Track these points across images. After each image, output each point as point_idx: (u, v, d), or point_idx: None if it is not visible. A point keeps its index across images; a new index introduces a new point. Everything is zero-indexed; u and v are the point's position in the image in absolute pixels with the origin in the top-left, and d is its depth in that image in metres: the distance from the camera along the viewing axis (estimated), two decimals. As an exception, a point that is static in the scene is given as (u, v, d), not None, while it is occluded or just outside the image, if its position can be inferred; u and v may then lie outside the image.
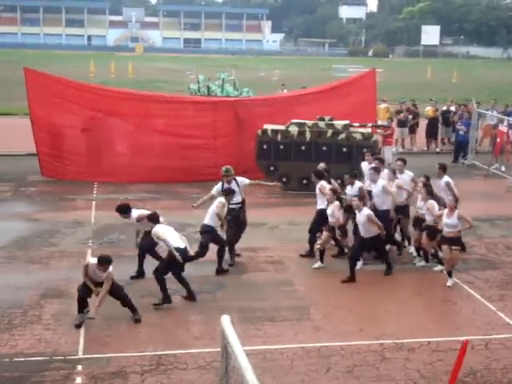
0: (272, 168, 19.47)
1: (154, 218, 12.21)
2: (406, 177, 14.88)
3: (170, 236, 11.77)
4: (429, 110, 27.16)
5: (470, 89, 46.60)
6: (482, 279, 13.43)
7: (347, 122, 19.93)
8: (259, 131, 19.77)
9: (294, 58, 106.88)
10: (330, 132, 19.66)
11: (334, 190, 13.88)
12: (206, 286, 12.77)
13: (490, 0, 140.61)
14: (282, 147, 19.64)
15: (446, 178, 14.83)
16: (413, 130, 26.86)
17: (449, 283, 12.85)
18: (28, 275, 12.99)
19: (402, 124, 26.34)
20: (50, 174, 20.67)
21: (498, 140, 23.78)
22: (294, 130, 19.69)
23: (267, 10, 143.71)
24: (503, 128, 23.96)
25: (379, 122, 24.00)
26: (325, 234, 13.83)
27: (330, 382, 9.44)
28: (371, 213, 12.91)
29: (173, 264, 11.72)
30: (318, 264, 13.78)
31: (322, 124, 19.86)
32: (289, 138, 19.65)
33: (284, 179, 17.88)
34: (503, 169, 23.54)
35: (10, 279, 12.84)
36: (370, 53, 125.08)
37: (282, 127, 19.83)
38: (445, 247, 12.77)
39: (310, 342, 10.61)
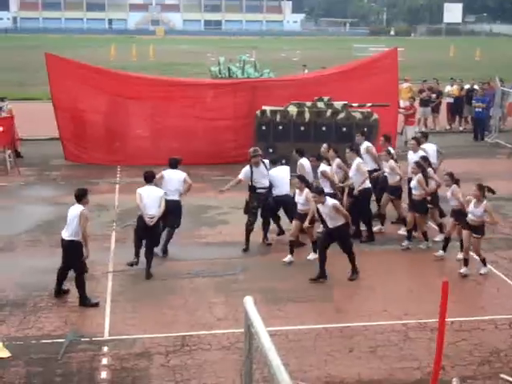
0: (271, 150, 18.48)
1: (145, 177, 12.57)
2: (415, 157, 14.63)
3: (145, 201, 12.16)
4: (454, 88, 26.89)
5: (493, 67, 46.03)
6: (505, 258, 13.36)
7: (346, 102, 19.74)
8: (258, 112, 19.56)
9: (314, 38, 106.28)
10: (329, 112, 19.52)
11: (301, 177, 13.24)
12: (229, 267, 12.83)
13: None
14: (280, 128, 19.42)
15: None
16: (436, 109, 26.65)
17: (462, 271, 12.54)
18: (53, 258, 13.08)
19: (424, 103, 26.13)
20: (73, 158, 20.84)
21: (522, 118, 23.52)
22: (292, 110, 19.50)
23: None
24: (527, 106, 23.68)
25: (401, 103, 23.86)
26: (295, 223, 13.17)
27: (353, 362, 9.48)
28: (336, 202, 12.15)
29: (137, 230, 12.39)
30: (311, 255, 13.37)
31: (321, 104, 19.70)
32: (288, 119, 19.46)
33: (283, 161, 17.01)
34: (527, 147, 23.30)
35: (35, 262, 13.00)
36: (392, 32, 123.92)
37: (281, 108, 19.66)
38: (465, 233, 12.57)
39: (333, 322, 10.64)
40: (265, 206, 13.69)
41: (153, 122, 20.74)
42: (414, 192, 13.68)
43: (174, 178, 13.34)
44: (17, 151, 21.33)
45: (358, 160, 14.22)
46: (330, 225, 12.21)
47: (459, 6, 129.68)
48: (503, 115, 26.77)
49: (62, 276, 11.42)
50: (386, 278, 12.67)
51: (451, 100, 26.84)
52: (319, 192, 12.20)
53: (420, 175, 13.52)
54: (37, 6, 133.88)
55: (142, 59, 55.42)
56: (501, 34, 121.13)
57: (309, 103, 19.65)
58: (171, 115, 20.60)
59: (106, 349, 9.81)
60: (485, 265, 12.57)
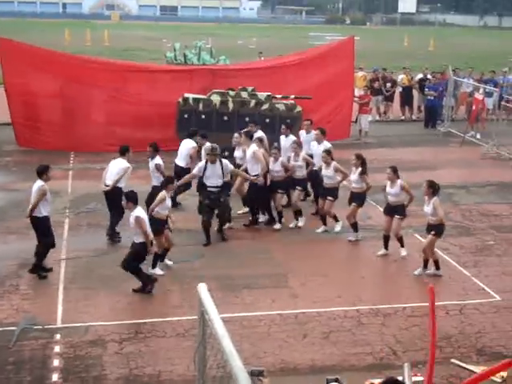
0: None
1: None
2: (321, 148, 14.72)
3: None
4: (403, 78, 27.19)
5: (446, 57, 46.64)
6: (457, 246, 13.61)
7: (269, 93, 19.70)
8: (180, 99, 19.34)
9: (271, 25, 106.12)
10: (253, 102, 19.46)
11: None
12: (184, 254, 12.79)
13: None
14: (203, 117, 19.18)
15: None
16: (391, 98, 26.92)
17: (403, 253, 12.97)
18: (5, 245, 12.94)
19: (376, 92, 26.32)
20: (25, 143, 20.49)
21: (474, 108, 23.92)
22: (216, 99, 19.36)
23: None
24: (479, 96, 24.07)
25: (356, 91, 24.04)
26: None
27: (307, 348, 9.57)
28: (139, 215, 11.06)
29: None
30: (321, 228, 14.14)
31: (244, 94, 19.62)
32: (211, 108, 19.30)
33: (226, 153, 16.13)
34: (478, 136, 23.72)
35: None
36: (347, 21, 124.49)
37: (204, 96, 19.50)
38: (386, 217, 12.87)
39: (287, 308, 10.73)
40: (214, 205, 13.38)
41: (106, 107, 20.47)
42: (328, 181, 13.86)
43: (114, 166, 13.42)
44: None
45: (253, 147, 14.37)
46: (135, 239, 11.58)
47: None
48: (456, 104, 27.18)
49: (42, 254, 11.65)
50: (340, 265, 12.82)
51: (401, 89, 27.12)
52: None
53: (335, 163, 13.83)
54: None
55: (96, 44, 54.63)
56: (454, 24, 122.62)
57: (232, 92, 19.54)
58: (126, 100, 20.38)
59: (58, 336, 9.72)
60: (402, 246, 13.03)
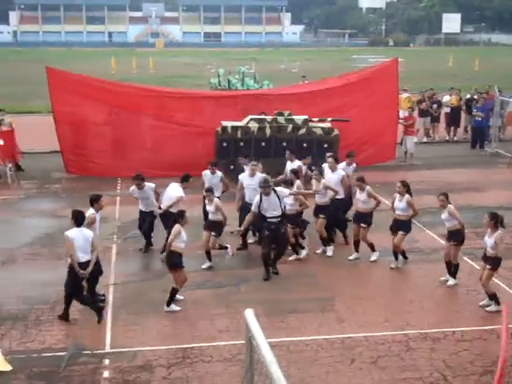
0: (232, 166, 18.42)
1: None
2: (335, 176, 14.48)
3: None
4: (452, 98, 27.00)
5: (492, 76, 46.16)
6: (506, 268, 13.34)
7: (306, 116, 19.67)
8: (219, 129, 19.39)
9: (314, 49, 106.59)
10: (290, 127, 19.45)
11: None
12: (230, 279, 12.84)
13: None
14: (242, 144, 19.18)
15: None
16: (437, 118, 26.78)
17: (392, 265, 13.26)
18: (54, 271, 13.13)
19: (424, 114, 26.24)
20: (73, 170, 20.89)
21: (522, 127, 23.58)
22: (253, 126, 19.39)
23: (286, 2, 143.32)
24: (526, 115, 23.75)
25: (400, 113, 23.94)
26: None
27: (355, 373, 9.47)
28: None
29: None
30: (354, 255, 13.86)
31: (281, 119, 19.61)
32: (249, 135, 19.31)
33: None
34: (527, 156, 23.34)
35: (36, 276, 13.01)
36: (391, 42, 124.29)
37: (242, 124, 19.52)
38: (446, 243, 12.71)
39: (334, 333, 10.64)
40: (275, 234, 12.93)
41: (153, 134, 20.76)
42: (362, 206, 13.67)
43: (170, 191, 13.72)
44: (17, 164, 21.39)
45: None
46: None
47: (457, 16, 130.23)
48: (502, 124, 26.86)
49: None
50: (388, 288, 12.69)
51: (448, 110, 26.92)
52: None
53: (369, 187, 13.63)
54: (37, 20, 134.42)
55: (142, 72, 55.59)
56: (499, 43, 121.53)
57: (269, 118, 19.57)
58: (171, 127, 20.63)
59: (107, 361, 9.80)
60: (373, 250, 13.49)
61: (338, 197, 14.25)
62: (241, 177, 14.50)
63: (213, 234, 13.29)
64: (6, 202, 18.41)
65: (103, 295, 11.92)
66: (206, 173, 14.87)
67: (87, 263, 10.95)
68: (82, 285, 11.13)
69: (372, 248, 13.78)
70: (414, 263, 13.54)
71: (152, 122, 20.74)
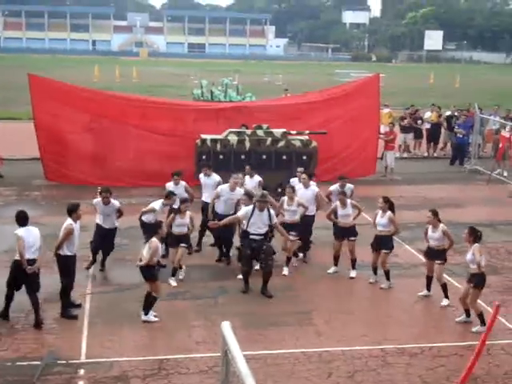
0: None
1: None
2: (309, 192, 14.39)
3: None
4: (432, 115, 27.22)
5: (472, 94, 46.60)
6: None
7: (284, 130, 19.73)
8: (198, 141, 19.35)
9: (297, 62, 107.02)
10: (269, 140, 19.51)
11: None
12: (208, 290, 12.80)
13: (493, 5, 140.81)
14: (221, 157, 19.14)
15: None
16: (421, 134, 27.03)
17: (371, 280, 13.33)
18: (31, 279, 12.95)
19: (405, 130, 26.47)
20: (53, 178, 20.75)
21: (501, 145, 23.83)
22: (233, 138, 19.42)
23: (271, 16, 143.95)
24: (506, 133, 24.00)
25: (381, 128, 24.08)
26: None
27: (332, 387, 9.45)
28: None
29: None
30: (332, 269, 13.89)
31: (260, 132, 19.68)
32: (228, 148, 19.31)
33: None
34: (506, 174, 23.58)
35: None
36: (373, 58, 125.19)
37: (222, 136, 19.53)
38: (428, 261, 12.74)
39: (312, 346, 10.63)
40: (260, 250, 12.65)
41: (134, 143, 20.68)
42: (347, 220, 13.66)
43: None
44: (-3, 171, 21.24)
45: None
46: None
47: (440, 34, 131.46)
48: (482, 142, 27.11)
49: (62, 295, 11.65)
50: (366, 303, 12.71)
51: (429, 126, 27.14)
52: None
53: (351, 200, 13.81)
54: (20, 26, 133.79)
55: (125, 81, 55.47)
56: (480, 61, 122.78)
57: (249, 131, 19.63)
58: (154, 137, 20.58)
59: (82, 372, 9.71)
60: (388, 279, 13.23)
61: (308, 213, 14.17)
62: (220, 188, 14.44)
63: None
64: (-16, 208, 18.23)
65: (79, 304, 11.84)
66: (170, 184, 14.66)
67: (34, 260, 11.14)
68: (38, 283, 11.29)
69: (354, 264, 13.76)
70: (392, 278, 13.54)
71: (134, 131, 20.66)
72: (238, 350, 4.52)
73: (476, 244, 11.29)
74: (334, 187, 14.73)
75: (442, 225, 12.31)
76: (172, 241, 13.17)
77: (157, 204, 13.56)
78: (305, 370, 9.92)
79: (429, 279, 12.66)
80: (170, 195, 13.57)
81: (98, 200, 13.60)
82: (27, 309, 11.58)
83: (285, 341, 10.83)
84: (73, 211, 11.64)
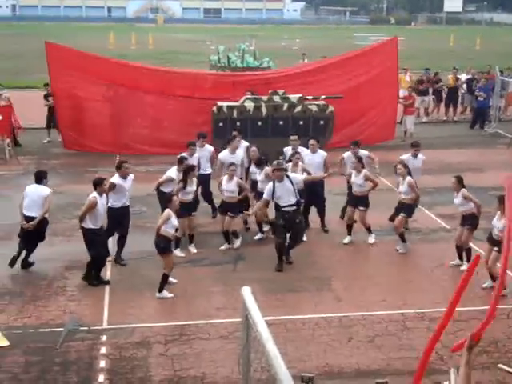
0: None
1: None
2: (317, 157, 14.22)
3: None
4: (449, 78, 26.87)
5: (493, 56, 45.92)
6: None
7: (300, 95, 19.53)
8: (214, 108, 19.17)
9: (314, 26, 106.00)
10: (285, 106, 19.37)
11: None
12: (227, 257, 12.85)
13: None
14: (238, 124, 18.82)
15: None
16: (440, 98, 26.69)
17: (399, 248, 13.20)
18: (52, 247, 13.11)
19: (422, 93, 26.13)
20: (71, 146, 20.82)
21: (522, 108, 23.51)
22: (249, 105, 19.26)
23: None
24: (527, 96, 23.66)
25: (400, 92, 23.80)
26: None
27: (352, 352, 9.50)
28: None
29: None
30: (347, 238, 13.69)
31: (277, 98, 19.50)
32: (245, 114, 19.15)
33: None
34: (527, 137, 23.30)
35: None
36: (392, 21, 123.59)
37: (238, 103, 19.38)
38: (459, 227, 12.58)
39: (332, 312, 10.66)
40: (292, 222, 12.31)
41: (152, 111, 20.66)
42: (358, 189, 13.42)
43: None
44: (15, 140, 21.31)
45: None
46: None
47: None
48: (504, 105, 26.76)
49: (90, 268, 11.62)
50: (385, 268, 12.70)
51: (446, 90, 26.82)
52: None
53: (366, 170, 13.46)
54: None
55: (141, 47, 55.28)
56: (501, 23, 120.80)
57: (265, 97, 19.46)
58: (171, 105, 20.54)
59: (104, 338, 9.83)
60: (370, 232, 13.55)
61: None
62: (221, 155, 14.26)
63: (361, 208, 13.42)
64: (4, 177, 18.35)
65: (107, 281, 11.73)
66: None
67: (33, 218, 11.72)
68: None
69: (369, 230, 13.69)
70: (412, 243, 13.52)
71: (151, 98, 20.63)
72: (259, 315, 4.52)
73: (463, 189, 11.93)
74: (347, 154, 14.46)
75: (463, 189, 12.16)
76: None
77: (172, 172, 13.23)
78: (325, 334, 9.96)
79: (459, 248, 12.47)
80: (182, 160, 13.25)
81: (116, 177, 12.57)
82: (49, 276, 11.70)
83: (304, 306, 10.87)
84: (98, 185, 11.52)
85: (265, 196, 12.38)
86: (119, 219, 12.41)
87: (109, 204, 12.06)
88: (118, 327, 10.12)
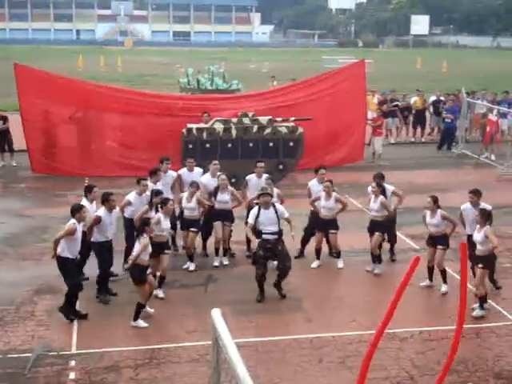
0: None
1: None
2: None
3: None
4: (417, 100, 27.21)
5: (459, 78, 46.66)
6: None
7: (270, 117, 19.64)
8: (184, 130, 19.21)
9: (283, 49, 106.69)
10: (255, 127, 19.43)
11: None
12: (198, 279, 12.80)
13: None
14: (207, 146, 19.02)
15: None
16: (404, 120, 26.97)
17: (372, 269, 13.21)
18: (20, 272, 12.97)
19: (385, 115, 26.29)
20: (40, 169, 20.63)
21: (488, 129, 23.88)
22: (219, 127, 19.29)
23: (256, 2, 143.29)
24: (493, 117, 24.05)
25: (369, 114, 24.04)
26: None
27: (323, 373, 9.50)
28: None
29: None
30: (316, 263, 13.61)
31: (246, 120, 19.59)
32: (214, 136, 19.18)
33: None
34: (493, 158, 23.66)
35: (1, 276, 12.82)
36: (360, 43, 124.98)
37: (208, 125, 19.45)
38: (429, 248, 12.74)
39: (303, 333, 10.66)
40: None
41: (120, 133, 20.62)
42: (328, 213, 13.32)
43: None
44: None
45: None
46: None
47: (426, 18, 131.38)
48: (470, 126, 27.16)
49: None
50: (356, 289, 12.74)
51: (414, 111, 27.12)
52: None
53: (336, 193, 13.43)
54: (3, 17, 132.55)
55: (110, 70, 55.17)
56: (467, 45, 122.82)
57: (234, 119, 19.53)
58: (140, 126, 20.50)
59: (73, 363, 9.70)
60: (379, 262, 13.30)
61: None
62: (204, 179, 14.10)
63: (332, 231, 13.30)
64: (-29, 201, 18.12)
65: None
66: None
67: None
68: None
69: (339, 255, 13.60)
70: (382, 263, 13.60)
71: (120, 120, 20.59)
72: (229, 337, 4.52)
73: (487, 226, 11.32)
74: (312, 183, 14.09)
75: (440, 210, 12.27)
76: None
77: (131, 196, 12.89)
78: (296, 356, 9.95)
79: (430, 269, 12.53)
80: (139, 181, 12.98)
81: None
82: (17, 301, 11.56)
83: (275, 328, 10.85)
84: (76, 211, 11.17)
85: (249, 220, 12.13)
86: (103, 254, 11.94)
87: (92, 239, 11.73)
88: (87, 352, 10.00)
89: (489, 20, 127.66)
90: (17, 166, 21.40)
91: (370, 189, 13.34)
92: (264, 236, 11.85)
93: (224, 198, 13.42)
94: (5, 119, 21.70)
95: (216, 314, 4.87)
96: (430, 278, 12.60)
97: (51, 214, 16.64)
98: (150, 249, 10.93)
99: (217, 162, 14.39)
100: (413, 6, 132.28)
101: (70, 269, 11.07)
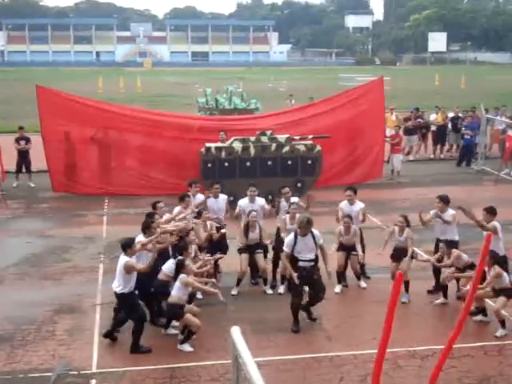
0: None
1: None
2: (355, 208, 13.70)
3: None
4: (438, 116, 27.17)
5: (478, 95, 46.53)
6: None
7: (288, 135, 19.71)
8: (202, 150, 19.29)
9: (301, 68, 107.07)
10: (273, 146, 19.47)
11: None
12: (217, 298, 12.77)
13: (495, 5, 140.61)
14: (226, 164, 19.16)
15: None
16: (425, 136, 26.99)
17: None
18: (41, 291, 13.05)
19: (410, 132, 26.39)
20: (61, 189, 20.81)
21: (507, 145, 23.77)
22: (237, 146, 19.36)
23: (274, 22, 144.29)
24: (512, 133, 23.94)
25: (387, 131, 24.04)
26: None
27: (344, 392, 9.44)
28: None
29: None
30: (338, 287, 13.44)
31: (264, 138, 19.64)
32: (233, 155, 19.27)
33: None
34: (513, 174, 23.53)
35: (23, 296, 12.91)
36: (378, 61, 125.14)
37: (226, 144, 19.53)
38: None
39: (323, 351, 10.61)
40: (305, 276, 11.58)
41: (141, 153, 20.77)
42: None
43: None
44: None
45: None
46: None
47: (443, 35, 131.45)
48: (489, 142, 27.07)
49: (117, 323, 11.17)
50: (375, 306, 12.66)
51: (434, 128, 27.10)
52: None
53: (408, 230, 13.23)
54: (24, 40, 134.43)
55: (129, 91, 55.65)
56: (485, 61, 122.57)
57: (253, 138, 19.60)
58: (160, 146, 20.64)
59: (94, 382, 9.72)
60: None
61: None
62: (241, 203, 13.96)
63: (353, 253, 13.23)
64: (-7, 221, 18.31)
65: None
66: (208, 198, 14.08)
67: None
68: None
69: (359, 277, 13.53)
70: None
71: (139, 140, 20.74)
72: (249, 355, 4.52)
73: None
74: (344, 204, 13.82)
75: (407, 229, 12.70)
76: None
77: (140, 238, 11.69)
78: (316, 374, 9.90)
79: (444, 288, 12.58)
80: (183, 198, 13.19)
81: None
82: (39, 320, 11.62)
83: (295, 346, 10.82)
84: (129, 246, 10.75)
85: (285, 249, 11.76)
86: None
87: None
88: (107, 371, 10.02)
89: (507, 36, 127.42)
90: (34, 186, 21.60)
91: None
92: (300, 263, 11.54)
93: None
94: (27, 140, 21.94)
95: (235, 331, 4.88)
96: (445, 296, 12.60)
97: (71, 234, 16.79)
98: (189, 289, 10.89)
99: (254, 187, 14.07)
100: (430, 23, 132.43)
101: (132, 303, 10.83)
